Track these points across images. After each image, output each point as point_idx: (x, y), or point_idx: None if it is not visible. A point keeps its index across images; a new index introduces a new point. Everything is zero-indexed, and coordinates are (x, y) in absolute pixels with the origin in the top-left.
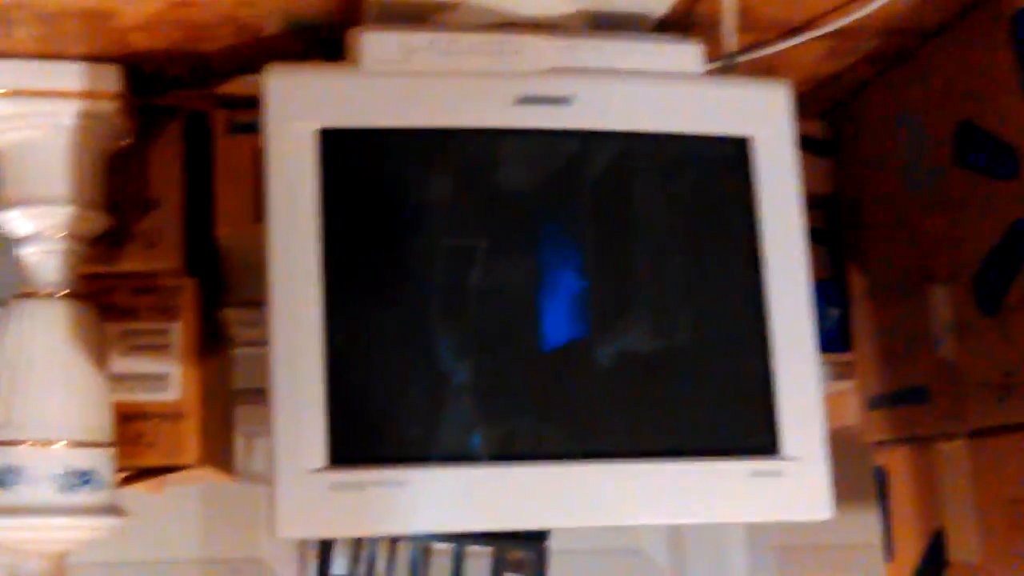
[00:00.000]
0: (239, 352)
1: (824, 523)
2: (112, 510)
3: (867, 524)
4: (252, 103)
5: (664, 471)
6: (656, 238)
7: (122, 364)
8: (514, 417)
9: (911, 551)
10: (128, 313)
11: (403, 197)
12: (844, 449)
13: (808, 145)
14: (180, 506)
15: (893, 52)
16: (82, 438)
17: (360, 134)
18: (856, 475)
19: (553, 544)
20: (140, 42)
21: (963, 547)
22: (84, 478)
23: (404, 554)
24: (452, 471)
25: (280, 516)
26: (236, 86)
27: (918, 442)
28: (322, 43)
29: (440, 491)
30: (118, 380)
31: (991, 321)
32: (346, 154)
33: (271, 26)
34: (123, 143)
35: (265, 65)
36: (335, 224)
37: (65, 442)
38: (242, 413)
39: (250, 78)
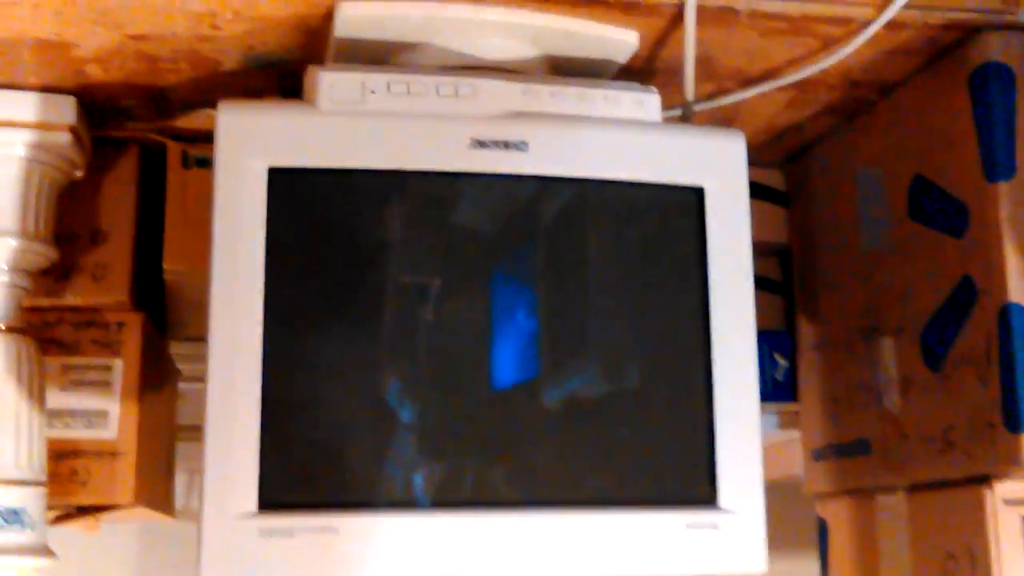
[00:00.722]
0: (184, 387)
1: (773, 574)
2: (41, 551)
3: (811, 574)
4: (209, 138)
5: (602, 522)
6: (607, 284)
7: (61, 399)
8: (456, 461)
9: None
10: (70, 347)
11: (353, 238)
12: (790, 499)
13: (766, 194)
14: (116, 545)
15: (852, 104)
16: (13, 476)
17: (311, 174)
18: (802, 525)
19: None
20: (96, 74)
21: None
22: (13, 517)
23: None
24: (386, 519)
25: (205, 562)
26: (193, 120)
27: (859, 494)
28: (285, 79)
29: (373, 539)
30: (56, 415)
31: (935, 377)
32: (296, 193)
33: (230, 61)
34: (76, 175)
35: (221, 100)
36: (280, 263)
37: None
38: (185, 450)
39: (207, 112)
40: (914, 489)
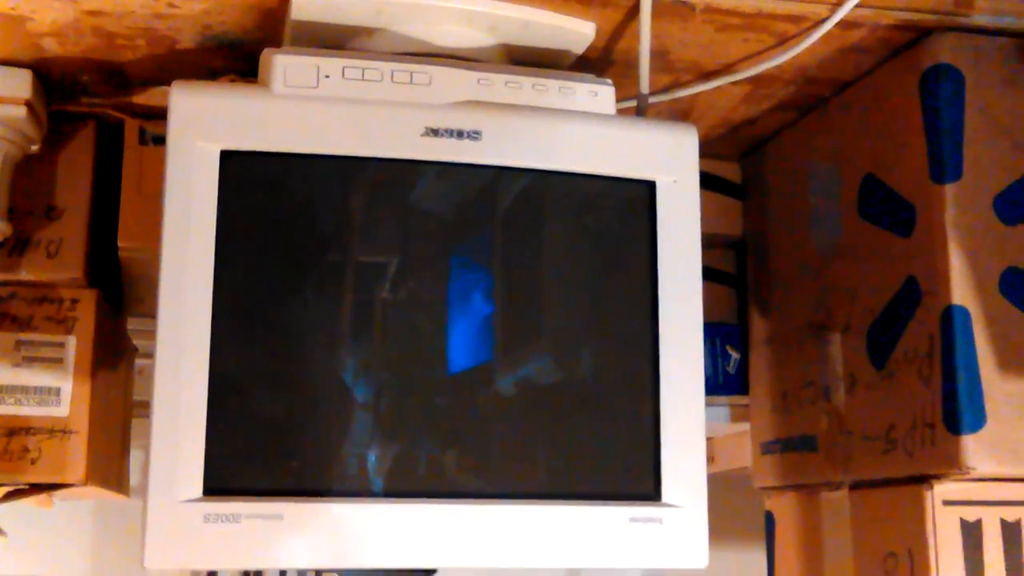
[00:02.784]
0: (142, 363)
1: (722, 564)
2: None
3: (760, 565)
4: (166, 115)
5: (546, 514)
6: (561, 273)
7: (12, 375)
8: (408, 447)
9: None
10: (23, 323)
11: (304, 221)
12: (741, 491)
13: (722, 187)
14: (71, 521)
15: (807, 100)
16: None
17: (263, 157)
18: (752, 517)
19: None
20: (53, 48)
21: None
22: None
23: None
24: (331, 506)
25: (149, 546)
26: (152, 97)
27: (804, 490)
28: (243, 60)
29: (318, 526)
30: (7, 391)
31: (879, 375)
32: (247, 176)
33: (187, 40)
34: (31, 149)
35: (175, 80)
36: (231, 245)
37: None
38: (142, 427)
39: (166, 89)
40: (857, 487)
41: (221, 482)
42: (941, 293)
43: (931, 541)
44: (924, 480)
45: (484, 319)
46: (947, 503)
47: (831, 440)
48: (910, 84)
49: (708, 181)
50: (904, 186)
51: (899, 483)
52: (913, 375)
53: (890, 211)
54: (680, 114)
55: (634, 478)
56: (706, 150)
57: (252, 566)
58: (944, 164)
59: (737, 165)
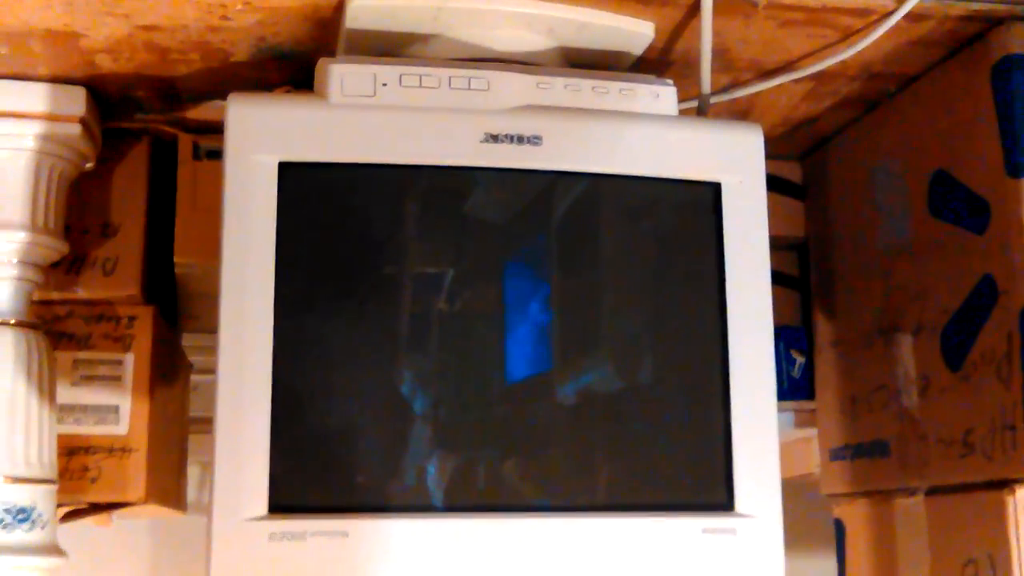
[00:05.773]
0: (197, 379)
1: (789, 574)
2: (51, 550)
3: (828, 574)
4: (220, 129)
5: (616, 527)
6: (622, 279)
7: (71, 394)
8: (470, 460)
9: None
10: (81, 342)
11: (364, 232)
12: (806, 497)
13: (783, 187)
14: (129, 539)
15: (871, 96)
16: (22, 474)
17: (322, 168)
18: (818, 524)
19: None
20: (107, 65)
21: None
22: (22, 516)
23: None
24: (396, 522)
25: (215, 566)
26: (205, 111)
27: (877, 496)
28: (297, 71)
29: (384, 543)
30: (66, 411)
31: (955, 377)
32: (306, 188)
33: (241, 52)
34: (86, 167)
35: (231, 92)
36: (291, 258)
37: (3, 478)
38: (198, 442)
39: (219, 103)
40: (933, 492)
41: (286, 500)
42: (1019, 291)
43: (1015, 546)
44: (1005, 484)
45: (542, 327)
46: None
47: (905, 445)
48: (981, 76)
49: (768, 181)
50: (977, 181)
51: (978, 488)
52: (991, 376)
53: (963, 208)
54: (740, 114)
55: (706, 487)
56: (766, 150)
57: None
58: (1020, 158)
59: (798, 164)
